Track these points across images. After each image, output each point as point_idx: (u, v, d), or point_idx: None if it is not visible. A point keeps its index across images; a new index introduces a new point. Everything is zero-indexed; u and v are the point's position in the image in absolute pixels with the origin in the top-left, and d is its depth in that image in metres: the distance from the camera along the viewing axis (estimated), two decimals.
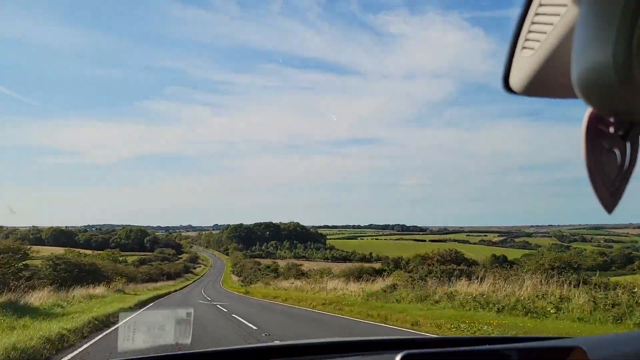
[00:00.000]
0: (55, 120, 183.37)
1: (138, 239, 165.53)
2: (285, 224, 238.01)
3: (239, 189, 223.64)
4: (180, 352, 2.00)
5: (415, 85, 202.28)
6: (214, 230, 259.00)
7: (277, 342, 3.29)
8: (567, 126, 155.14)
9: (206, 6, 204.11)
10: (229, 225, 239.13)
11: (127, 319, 7.19)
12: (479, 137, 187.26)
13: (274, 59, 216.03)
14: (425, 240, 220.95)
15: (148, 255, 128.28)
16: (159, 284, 63.00)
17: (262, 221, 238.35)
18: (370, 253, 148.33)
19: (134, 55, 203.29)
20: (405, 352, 1.15)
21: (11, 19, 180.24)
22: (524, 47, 0.76)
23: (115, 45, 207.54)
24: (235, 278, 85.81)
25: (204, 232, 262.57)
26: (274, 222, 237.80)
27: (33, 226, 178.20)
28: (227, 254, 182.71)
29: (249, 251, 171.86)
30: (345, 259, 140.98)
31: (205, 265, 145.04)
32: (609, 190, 0.69)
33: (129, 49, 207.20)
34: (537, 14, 0.72)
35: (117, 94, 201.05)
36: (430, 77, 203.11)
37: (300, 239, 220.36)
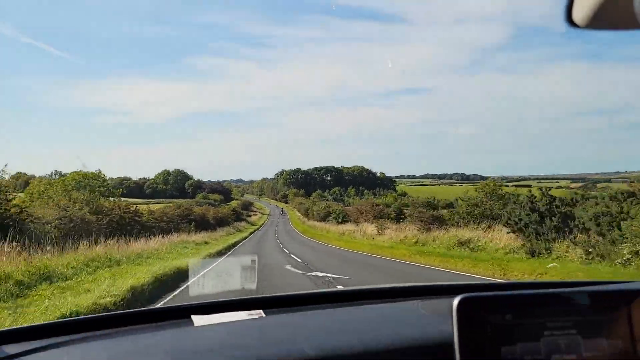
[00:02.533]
0: (105, 80, 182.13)
1: (178, 184, 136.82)
2: (349, 168, 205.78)
3: (286, 143, 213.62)
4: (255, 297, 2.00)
5: (466, 30, 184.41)
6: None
7: (332, 289, 3.25)
8: (630, 67, 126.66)
9: None
10: (283, 170, 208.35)
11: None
12: (534, 83, 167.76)
13: (318, 10, 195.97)
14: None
15: (188, 201, 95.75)
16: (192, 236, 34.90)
17: (321, 165, 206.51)
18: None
19: (176, 12, 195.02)
20: (463, 295, 1.12)
21: None
22: None
23: (157, 1, 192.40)
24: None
25: (255, 181, 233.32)
26: (335, 166, 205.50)
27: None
28: (285, 202, 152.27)
29: (310, 198, 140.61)
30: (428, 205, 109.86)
31: (262, 213, 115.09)
32: None
33: (171, 5, 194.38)
34: None
35: (162, 52, 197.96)
36: (481, 21, 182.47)
37: (366, 185, 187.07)
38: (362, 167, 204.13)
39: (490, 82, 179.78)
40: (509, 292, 1.17)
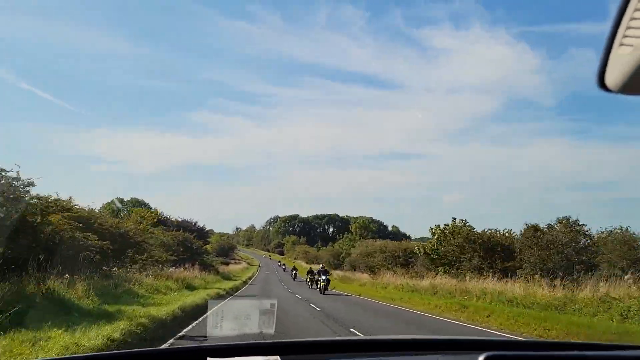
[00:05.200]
0: (101, 129, 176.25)
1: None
2: (355, 218, 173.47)
3: (280, 200, 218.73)
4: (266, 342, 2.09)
5: (460, 100, 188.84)
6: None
7: (352, 337, 3.09)
8: (615, 146, 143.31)
9: (251, 20, 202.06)
10: (278, 217, 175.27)
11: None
12: (524, 154, 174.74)
13: (316, 73, 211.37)
14: None
15: None
16: None
17: (323, 213, 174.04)
18: None
19: (179, 67, 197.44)
20: (488, 353, 1.15)
21: (61, 30, 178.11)
22: (621, 44, 0.74)
23: (161, 57, 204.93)
24: None
25: (241, 230, 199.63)
26: (340, 214, 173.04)
27: None
28: (280, 253, 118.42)
29: (315, 247, 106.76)
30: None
31: (249, 264, 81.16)
32: None
33: (174, 61, 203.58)
34: (637, 10, 0.69)
35: (161, 104, 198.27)
36: (474, 92, 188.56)
37: (376, 238, 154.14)
38: (371, 218, 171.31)
39: (482, 152, 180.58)
40: (534, 353, 1.13)
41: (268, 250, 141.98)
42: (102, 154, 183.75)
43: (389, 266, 35.94)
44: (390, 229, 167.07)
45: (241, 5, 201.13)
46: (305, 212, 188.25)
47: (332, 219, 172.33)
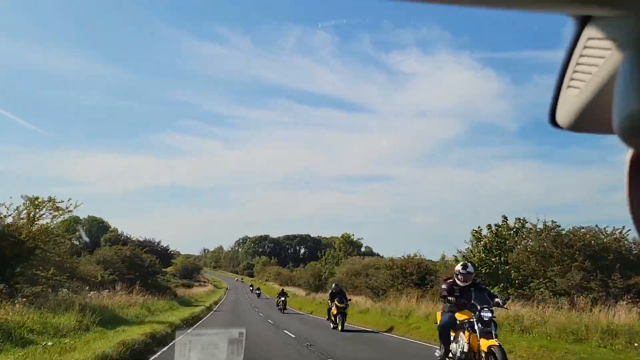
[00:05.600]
0: (66, 151, 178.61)
1: (91, 236, 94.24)
2: (328, 238, 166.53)
3: (249, 221, 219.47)
4: None
5: (427, 124, 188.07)
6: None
7: None
8: (575, 169, 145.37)
9: (221, 42, 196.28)
10: (247, 237, 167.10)
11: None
12: (488, 178, 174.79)
13: (287, 95, 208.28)
14: None
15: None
16: None
17: (294, 233, 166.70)
18: None
19: (147, 88, 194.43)
20: None
21: (27, 49, 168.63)
22: (569, 86, 0.81)
23: (130, 78, 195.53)
24: None
25: (209, 251, 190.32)
26: (312, 235, 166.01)
27: None
28: (250, 275, 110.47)
29: (288, 268, 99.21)
30: None
31: (216, 287, 73.36)
32: None
33: (144, 82, 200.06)
34: (582, 56, 0.76)
35: (130, 127, 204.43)
36: (441, 116, 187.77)
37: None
38: (348, 235, 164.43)
39: (449, 174, 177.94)
40: None
41: (237, 272, 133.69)
42: (67, 175, 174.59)
43: (399, 287, 28.11)
44: (363, 249, 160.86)
45: (210, 28, 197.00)
46: (275, 233, 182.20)
47: (304, 240, 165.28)
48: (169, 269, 70.77)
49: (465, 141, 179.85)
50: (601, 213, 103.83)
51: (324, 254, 61.82)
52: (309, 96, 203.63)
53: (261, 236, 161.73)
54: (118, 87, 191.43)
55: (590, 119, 0.80)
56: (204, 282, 74.94)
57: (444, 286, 9.40)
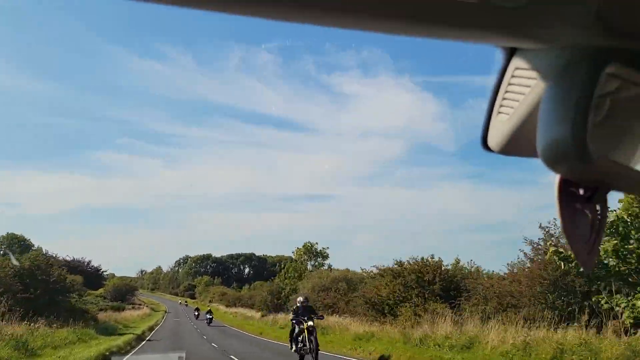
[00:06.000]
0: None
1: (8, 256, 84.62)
2: (273, 257, 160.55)
3: (191, 241, 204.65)
4: None
5: (369, 144, 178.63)
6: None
7: None
8: (508, 190, 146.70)
9: (163, 59, 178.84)
10: (188, 257, 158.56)
11: None
12: (428, 197, 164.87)
13: (230, 114, 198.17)
14: None
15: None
16: None
17: (238, 252, 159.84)
18: None
19: (85, 105, 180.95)
20: None
21: None
22: (499, 112, 0.86)
23: (66, 95, 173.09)
24: None
25: (146, 272, 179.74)
26: (257, 253, 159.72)
27: None
28: (191, 297, 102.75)
29: (232, 288, 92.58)
30: None
31: (154, 309, 66.12)
32: (585, 249, 0.73)
33: (81, 100, 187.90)
34: (510, 84, 0.81)
35: (66, 145, 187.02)
36: (382, 137, 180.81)
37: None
38: (291, 258, 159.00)
39: (390, 194, 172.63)
40: None
41: (177, 294, 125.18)
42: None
43: (418, 300, 20.74)
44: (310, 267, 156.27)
45: (152, 45, 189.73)
46: (219, 252, 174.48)
47: (249, 259, 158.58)
48: (99, 291, 63.13)
49: (406, 161, 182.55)
50: (533, 230, 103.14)
51: (284, 267, 54.89)
52: (252, 115, 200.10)
53: (203, 255, 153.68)
54: (54, 104, 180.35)
55: (518, 144, 0.85)
56: (139, 304, 67.56)
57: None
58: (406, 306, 21.27)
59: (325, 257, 52.69)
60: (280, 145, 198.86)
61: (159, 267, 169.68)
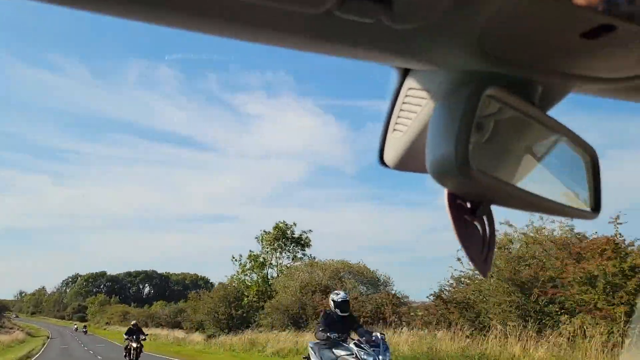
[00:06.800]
0: None
1: None
2: (177, 275, 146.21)
3: (80, 264, 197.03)
4: None
5: (272, 165, 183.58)
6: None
7: None
8: (406, 211, 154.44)
9: (55, 70, 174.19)
10: (78, 275, 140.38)
11: None
12: (331, 218, 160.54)
13: (128, 130, 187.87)
14: None
15: None
16: None
17: (138, 269, 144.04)
18: None
19: None
20: None
21: None
22: (394, 129, 0.91)
23: None
24: None
25: (26, 294, 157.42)
26: (159, 271, 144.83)
27: None
28: (82, 319, 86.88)
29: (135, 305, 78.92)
30: None
31: (32, 335, 52.08)
32: (480, 258, 0.77)
33: None
34: (404, 103, 0.85)
35: None
36: (285, 158, 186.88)
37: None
38: (196, 275, 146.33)
39: (293, 215, 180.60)
40: None
41: (63, 317, 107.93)
42: None
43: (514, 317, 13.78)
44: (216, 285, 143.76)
45: (44, 55, 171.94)
46: (114, 270, 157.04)
47: (150, 277, 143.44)
48: None
49: (309, 183, 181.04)
50: (431, 250, 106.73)
51: (238, 260, 37.76)
52: (151, 132, 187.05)
53: (96, 273, 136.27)
54: None
55: (411, 160, 0.89)
56: (10, 328, 53.03)
57: None
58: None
59: (306, 244, 35.81)
60: (180, 163, 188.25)
61: (43, 287, 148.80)
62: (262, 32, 0.61)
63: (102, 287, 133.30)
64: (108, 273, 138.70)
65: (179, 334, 37.45)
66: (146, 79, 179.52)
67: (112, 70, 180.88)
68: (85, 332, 56.62)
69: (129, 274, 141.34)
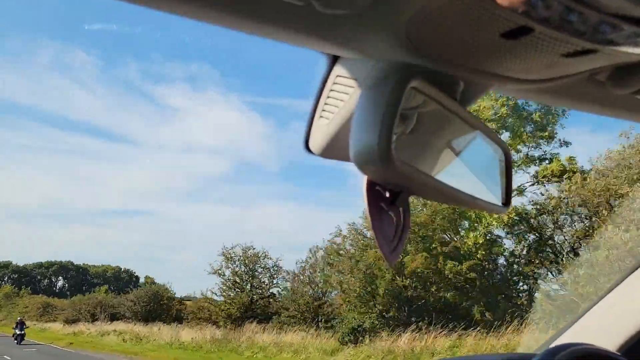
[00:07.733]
0: None
1: None
2: (97, 267, 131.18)
3: None
4: None
5: (193, 159, 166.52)
6: None
7: None
8: (325, 211, 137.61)
9: None
10: None
11: None
12: (252, 215, 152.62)
13: (36, 117, 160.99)
14: None
15: None
16: None
17: (50, 260, 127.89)
18: None
19: None
20: None
21: None
22: (321, 116, 0.91)
23: None
24: None
25: None
26: (75, 262, 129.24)
27: None
28: None
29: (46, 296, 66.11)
30: None
31: None
32: (389, 247, 0.77)
33: None
34: (331, 90, 0.86)
35: None
36: (207, 153, 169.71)
37: (126, 290, 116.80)
38: (118, 267, 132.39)
39: (213, 211, 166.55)
40: None
41: None
42: None
43: None
44: (142, 279, 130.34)
45: None
46: (21, 261, 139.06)
47: (64, 268, 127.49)
48: None
49: (231, 179, 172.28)
50: None
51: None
52: (62, 120, 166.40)
53: (1, 263, 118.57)
54: None
55: (336, 148, 0.90)
56: None
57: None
58: None
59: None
60: (94, 154, 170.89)
61: None
62: (186, 4, 0.59)
63: (6, 279, 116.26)
64: (14, 263, 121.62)
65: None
66: (60, 63, 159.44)
67: (20, 49, 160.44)
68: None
69: (39, 264, 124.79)
